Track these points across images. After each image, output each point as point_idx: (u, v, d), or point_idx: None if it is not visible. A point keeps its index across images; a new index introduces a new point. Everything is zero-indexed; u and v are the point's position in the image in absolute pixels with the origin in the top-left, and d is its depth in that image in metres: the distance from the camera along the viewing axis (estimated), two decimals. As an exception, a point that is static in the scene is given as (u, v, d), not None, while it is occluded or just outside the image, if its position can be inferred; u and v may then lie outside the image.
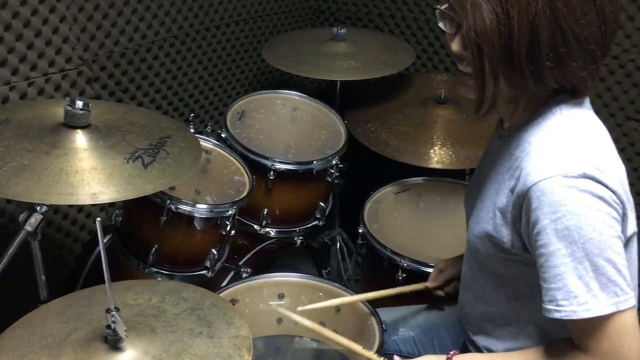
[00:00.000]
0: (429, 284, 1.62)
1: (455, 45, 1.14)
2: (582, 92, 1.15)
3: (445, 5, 1.14)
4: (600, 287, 1.05)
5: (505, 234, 1.18)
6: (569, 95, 1.15)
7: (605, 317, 1.06)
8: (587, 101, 1.19)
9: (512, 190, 1.15)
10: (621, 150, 1.60)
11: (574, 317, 1.06)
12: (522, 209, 1.12)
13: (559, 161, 1.08)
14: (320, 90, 3.07)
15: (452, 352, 1.28)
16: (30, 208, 1.40)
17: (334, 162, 2.07)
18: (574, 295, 1.06)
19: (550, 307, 1.09)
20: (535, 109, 1.17)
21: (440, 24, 1.17)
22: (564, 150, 1.10)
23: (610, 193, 1.07)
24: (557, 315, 1.08)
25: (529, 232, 1.11)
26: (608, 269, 1.05)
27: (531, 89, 1.11)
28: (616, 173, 1.11)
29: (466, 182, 2.24)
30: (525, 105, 1.18)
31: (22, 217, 1.41)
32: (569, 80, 1.11)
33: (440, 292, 1.62)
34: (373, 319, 1.54)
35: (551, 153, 1.10)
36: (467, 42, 1.09)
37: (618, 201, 1.08)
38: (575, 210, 1.05)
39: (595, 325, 1.07)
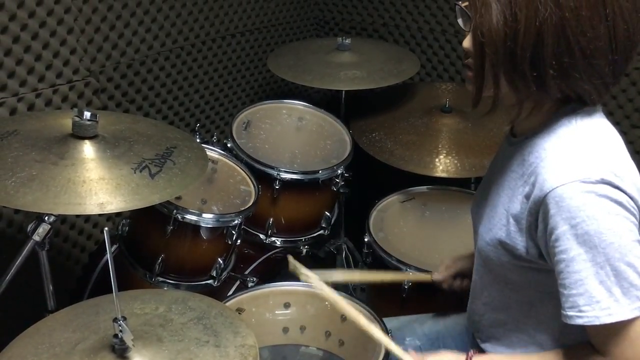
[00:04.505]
0: (434, 276, 1.62)
1: (465, 42, 1.16)
2: (590, 102, 1.15)
3: (466, 4, 1.15)
4: (622, 292, 1.04)
5: (519, 241, 1.17)
6: (580, 103, 1.15)
7: (628, 321, 1.05)
8: (599, 108, 1.18)
9: (527, 197, 1.14)
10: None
11: (597, 323, 1.05)
12: (538, 215, 1.11)
13: (576, 167, 1.07)
14: (326, 100, 3.09)
15: (471, 352, 1.28)
16: (38, 218, 1.41)
17: (339, 171, 2.08)
18: (596, 301, 1.05)
19: (571, 313, 1.07)
20: (548, 115, 1.17)
21: (459, 20, 1.18)
22: (581, 156, 1.09)
23: (628, 199, 1.06)
24: (579, 322, 1.07)
25: (546, 238, 1.10)
26: (629, 273, 1.04)
27: (535, 95, 1.11)
28: (632, 179, 1.10)
29: (472, 190, 2.24)
30: (532, 110, 1.18)
31: (30, 227, 1.42)
32: (573, 90, 1.11)
33: (445, 286, 1.61)
34: (379, 328, 1.53)
35: (568, 159, 1.10)
36: (473, 40, 1.11)
37: (635, 207, 1.08)
38: (595, 215, 1.04)
39: (617, 330, 1.06)
